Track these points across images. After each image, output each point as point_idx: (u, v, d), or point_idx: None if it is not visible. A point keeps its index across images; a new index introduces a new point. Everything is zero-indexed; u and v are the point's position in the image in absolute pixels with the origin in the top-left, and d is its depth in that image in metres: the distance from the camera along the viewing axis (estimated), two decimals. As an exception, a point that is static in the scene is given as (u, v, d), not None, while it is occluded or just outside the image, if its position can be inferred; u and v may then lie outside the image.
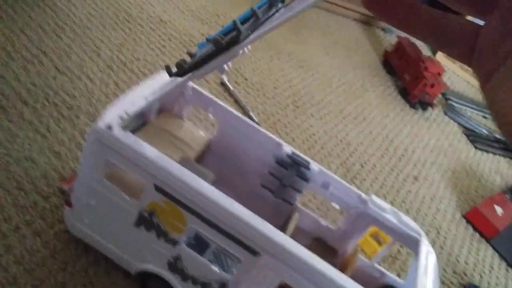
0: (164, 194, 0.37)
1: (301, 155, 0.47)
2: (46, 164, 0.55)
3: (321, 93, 0.99)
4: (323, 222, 0.49)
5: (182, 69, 0.34)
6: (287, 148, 0.47)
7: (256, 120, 0.80)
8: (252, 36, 0.30)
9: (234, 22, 0.31)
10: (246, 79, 0.90)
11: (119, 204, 0.39)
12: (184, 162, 0.41)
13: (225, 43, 0.31)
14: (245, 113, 0.80)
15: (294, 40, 1.13)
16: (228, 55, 0.31)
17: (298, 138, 0.82)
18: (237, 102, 0.82)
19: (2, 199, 0.49)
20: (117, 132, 0.36)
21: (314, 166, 0.47)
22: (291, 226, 0.48)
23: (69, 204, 0.43)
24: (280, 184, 0.49)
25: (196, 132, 0.49)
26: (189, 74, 0.33)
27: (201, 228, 0.37)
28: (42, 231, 0.48)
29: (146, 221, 0.39)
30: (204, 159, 0.50)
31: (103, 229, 0.42)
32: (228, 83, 0.84)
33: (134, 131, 0.45)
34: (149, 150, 0.37)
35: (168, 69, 0.35)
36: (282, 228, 0.46)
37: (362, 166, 0.84)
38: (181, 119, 0.50)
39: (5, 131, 0.55)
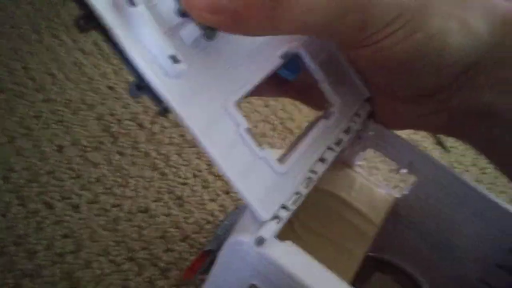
0: None
1: None
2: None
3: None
4: None
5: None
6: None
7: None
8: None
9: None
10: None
11: None
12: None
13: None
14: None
15: None
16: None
17: None
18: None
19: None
20: (273, 248, 0.20)
21: None
22: None
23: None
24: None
25: (374, 191, 0.31)
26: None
27: None
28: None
29: None
30: (386, 229, 0.32)
31: None
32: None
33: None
34: (321, 276, 0.20)
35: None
36: None
37: None
38: (350, 168, 0.32)
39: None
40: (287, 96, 0.29)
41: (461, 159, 0.56)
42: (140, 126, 0.47)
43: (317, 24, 0.19)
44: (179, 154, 0.46)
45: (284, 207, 0.21)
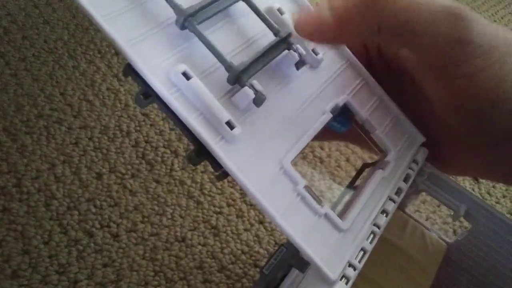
0: None
1: None
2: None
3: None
4: None
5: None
6: None
7: None
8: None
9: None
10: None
11: None
12: None
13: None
14: None
15: None
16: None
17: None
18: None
19: None
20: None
21: None
22: None
23: None
24: None
25: (426, 236, 0.31)
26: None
27: None
28: None
29: None
30: (437, 273, 0.31)
31: None
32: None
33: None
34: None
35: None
36: None
37: None
38: (402, 211, 0.32)
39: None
40: (343, 141, 0.29)
41: (492, 191, 0.56)
42: (175, 153, 0.48)
43: (416, 24, 0.19)
44: (213, 182, 0.46)
45: (350, 265, 0.21)
